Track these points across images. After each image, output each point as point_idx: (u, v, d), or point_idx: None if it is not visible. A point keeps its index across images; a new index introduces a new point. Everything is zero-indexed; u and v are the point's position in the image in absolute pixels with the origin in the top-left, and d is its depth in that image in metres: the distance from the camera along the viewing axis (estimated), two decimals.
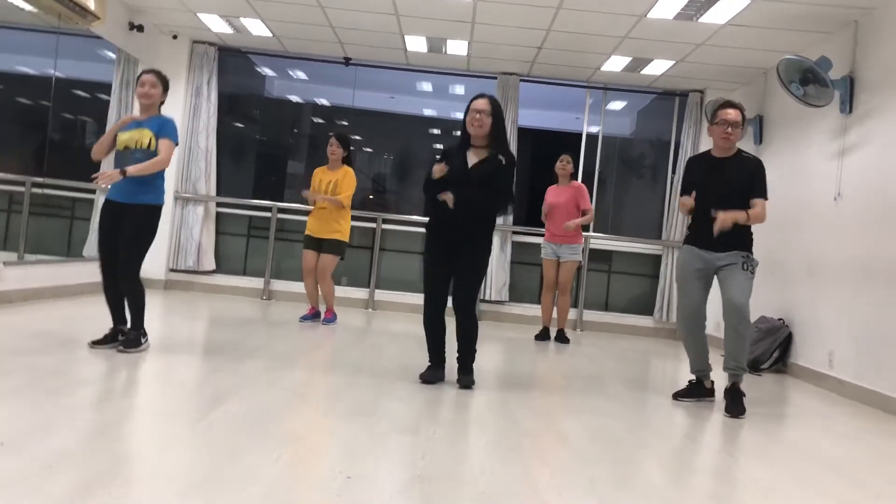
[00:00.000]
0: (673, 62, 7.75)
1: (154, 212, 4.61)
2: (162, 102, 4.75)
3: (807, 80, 5.96)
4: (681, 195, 4.81)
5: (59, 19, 6.56)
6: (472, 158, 4.52)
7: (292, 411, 3.64)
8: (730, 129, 4.59)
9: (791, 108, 6.77)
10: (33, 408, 3.20)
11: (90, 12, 6.57)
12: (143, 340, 4.61)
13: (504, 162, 4.47)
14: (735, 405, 4.48)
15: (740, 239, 4.58)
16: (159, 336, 5.20)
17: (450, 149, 4.63)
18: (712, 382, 4.82)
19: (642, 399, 4.96)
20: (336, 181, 6.73)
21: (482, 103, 4.48)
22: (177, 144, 4.69)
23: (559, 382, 5.20)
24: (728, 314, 4.54)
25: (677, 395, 4.79)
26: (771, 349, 6.56)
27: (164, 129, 4.61)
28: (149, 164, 4.50)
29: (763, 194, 4.62)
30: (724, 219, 4.43)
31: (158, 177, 4.64)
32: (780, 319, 6.72)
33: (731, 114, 4.61)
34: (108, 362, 4.28)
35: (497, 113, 4.51)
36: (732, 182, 4.61)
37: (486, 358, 4.69)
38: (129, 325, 4.61)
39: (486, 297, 8.73)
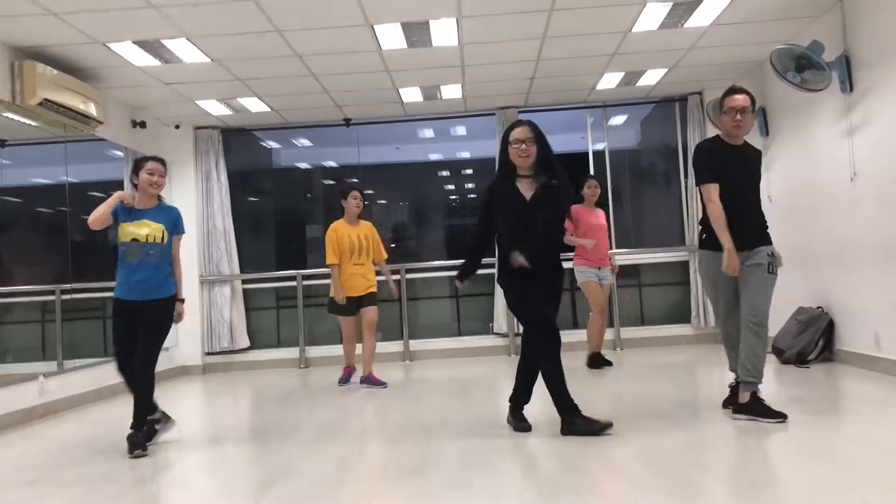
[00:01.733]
0: (666, 69, 7.77)
1: (172, 302, 4.70)
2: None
3: (802, 66, 5.95)
4: (706, 182, 4.37)
5: (64, 130, 6.75)
6: (526, 190, 4.29)
7: (343, 482, 3.63)
8: (739, 116, 4.35)
9: (793, 96, 6.75)
10: None
11: (92, 118, 6.74)
12: (156, 427, 4.67)
13: (559, 184, 4.25)
14: (759, 411, 4.32)
15: (764, 232, 4.45)
16: (203, 424, 5.23)
17: (493, 185, 4.40)
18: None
19: (692, 414, 4.87)
20: (368, 236, 6.79)
21: (524, 132, 4.23)
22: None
23: (605, 410, 5.13)
24: (748, 318, 4.32)
25: (726, 404, 4.70)
26: (815, 339, 6.45)
27: (179, 224, 4.74)
28: (179, 275, 4.75)
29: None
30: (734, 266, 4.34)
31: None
32: (818, 308, 6.62)
33: (739, 99, 4.37)
34: (159, 460, 4.31)
35: (540, 138, 4.26)
36: (755, 173, 4.48)
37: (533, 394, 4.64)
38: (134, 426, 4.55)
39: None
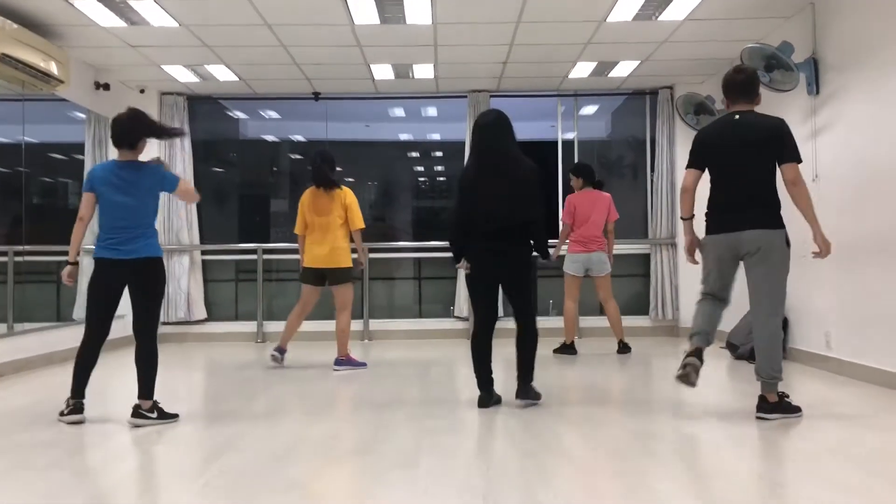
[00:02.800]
0: (638, 62, 7.78)
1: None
2: None
3: (771, 66, 5.99)
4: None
5: (22, 87, 6.56)
6: None
7: (291, 458, 3.59)
8: None
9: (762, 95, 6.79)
10: (29, 486, 3.15)
11: (54, 77, 6.56)
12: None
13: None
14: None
15: None
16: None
17: None
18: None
19: (645, 404, 4.92)
20: None
21: None
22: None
23: (558, 396, 5.16)
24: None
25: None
26: None
27: None
28: None
29: None
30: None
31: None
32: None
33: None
34: (103, 428, 4.23)
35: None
36: None
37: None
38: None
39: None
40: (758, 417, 4.24)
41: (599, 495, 2.95)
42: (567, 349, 7.24)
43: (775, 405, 4.25)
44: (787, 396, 4.35)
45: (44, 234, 7.47)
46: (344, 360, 6.43)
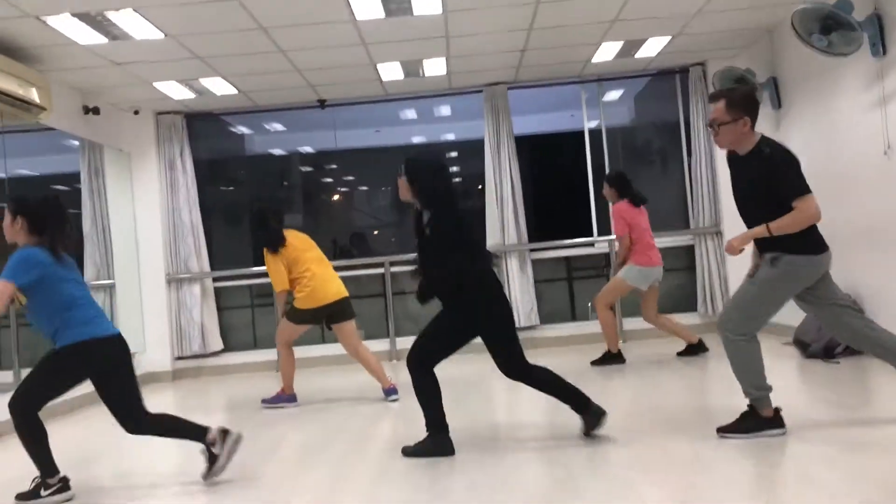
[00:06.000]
0: (669, 37, 7.10)
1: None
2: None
3: (828, 27, 5.31)
4: None
5: (0, 117, 6.02)
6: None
7: None
8: (713, 130, 3.80)
9: (810, 62, 6.13)
10: None
11: (34, 104, 6.02)
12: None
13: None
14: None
15: (779, 240, 3.72)
16: (170, 448, 4.55)
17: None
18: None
19: (708, 421, 4.25)
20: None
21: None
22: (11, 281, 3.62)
23: (614, 421, 4.50)
24: None
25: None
26: None
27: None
28: None
29: (795, 191, 3.68)
30: (731, 245, 3.82)
31: None
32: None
33: (711, 111, 3.79)
34: (104, 483, 3.66)
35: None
36: (752, 182, 3.80)
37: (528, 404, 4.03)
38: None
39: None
40: None
41: None
42: (613, 358, 6.61)
43: None
44: None
45: None
46: (391, 390, 5.82)
